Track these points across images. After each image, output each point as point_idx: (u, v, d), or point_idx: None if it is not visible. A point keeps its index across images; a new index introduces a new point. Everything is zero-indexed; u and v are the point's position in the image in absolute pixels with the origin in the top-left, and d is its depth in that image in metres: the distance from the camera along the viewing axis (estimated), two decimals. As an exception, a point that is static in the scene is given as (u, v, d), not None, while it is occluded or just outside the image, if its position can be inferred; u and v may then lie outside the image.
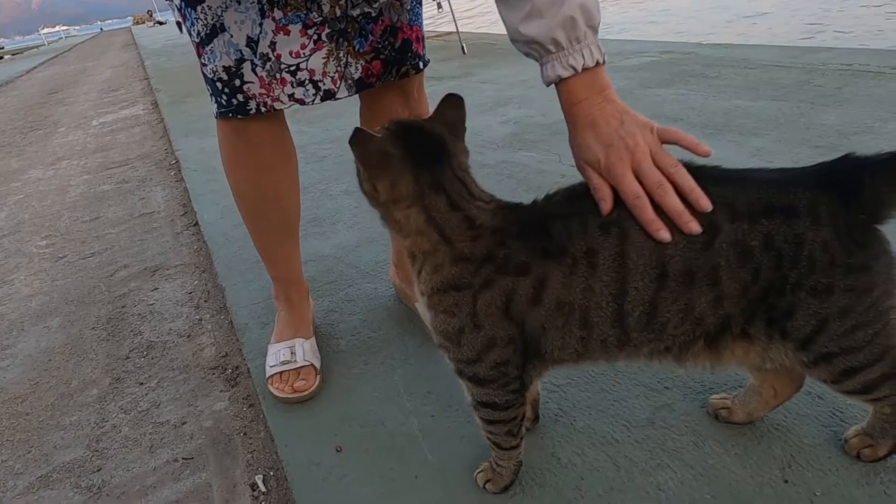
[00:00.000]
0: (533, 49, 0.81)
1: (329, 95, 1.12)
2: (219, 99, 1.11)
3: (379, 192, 0.75)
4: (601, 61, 0.79)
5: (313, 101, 1.10)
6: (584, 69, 0.78)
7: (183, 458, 1.17)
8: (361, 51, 1.10)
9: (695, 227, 0.69)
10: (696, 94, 2.86)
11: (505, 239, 0.74)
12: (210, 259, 1.98)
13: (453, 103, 0.78)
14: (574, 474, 0.92)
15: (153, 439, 1.24)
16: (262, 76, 1.06)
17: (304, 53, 1.06)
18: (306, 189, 2.36)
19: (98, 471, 1.18)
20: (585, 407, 1.04)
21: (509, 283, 0.73)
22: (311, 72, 1.08)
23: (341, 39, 1.08)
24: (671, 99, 2.83)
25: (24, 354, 1.66)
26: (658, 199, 0.71)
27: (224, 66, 1.06)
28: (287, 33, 1.03)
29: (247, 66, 1.05)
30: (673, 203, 0.70)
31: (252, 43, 1.04)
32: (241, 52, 1.04)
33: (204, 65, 1.10)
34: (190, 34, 1.09)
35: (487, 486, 0.90)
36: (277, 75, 1.06)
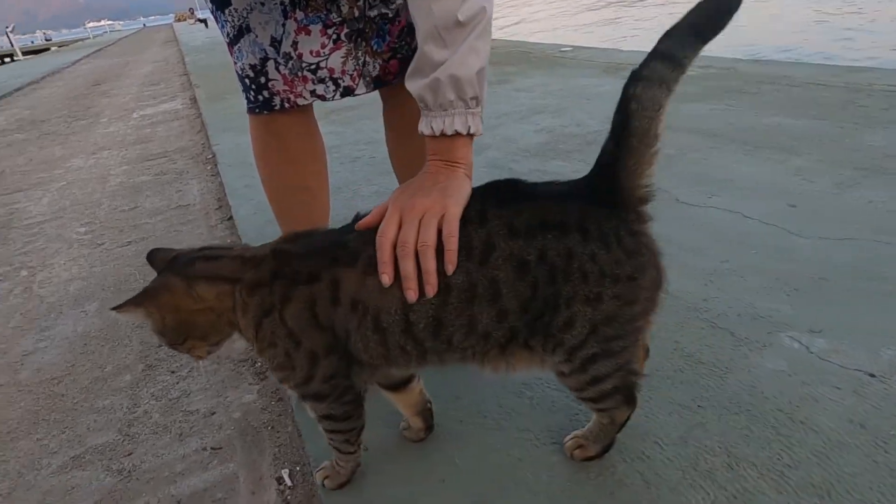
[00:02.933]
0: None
1: (348, 92, 1.16)
2: (248, 95, 1.17)
3: (195, 299, 0.81)
4: (464, 133, 0.84)
5: (333, 97, 1.15)
6: (443, 135, 0.83)
7: (211, 448, 1.19)
8: (379, 50, 1.14)
9: (412, 295, 0.74)
10: (734, 110, 2.81)
11: (288, 258, 0.81)
12: (243, 253, 2.01)
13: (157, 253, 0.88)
14: (604, 489, 0.90)
15: (183, 427, 1.26)
16: (284, 74, 1.11)
17: (323, 52, 1.10)
18: (339, 189, 2.38)
19: (129, 455, 1.21)
20: (616, 421, 1.03)
21: (306, 291, 0.79)
22: (331, 70, 1.12)
23: (359, 39, 1.12)
24: (709, 114, 2.78)
25: (61, 337, 1.71)
26: (398, 256, 0.76)
27: (251, 65, 1.12)
28: (308, 33, 1.08)
29: (271, 65, 1.11)
30: (405, 267, 0.75)
31: (275, 42, 1.09)
32: (266, 52, 1.10)
33: (235, 63, 1.16)
34: (222, 34, 1.14)
35: (326, 482, 0.97)
36: (299, 73, 1.11)
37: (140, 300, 0.80)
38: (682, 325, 1.26)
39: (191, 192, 2.90)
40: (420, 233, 0.76)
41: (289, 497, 1.04)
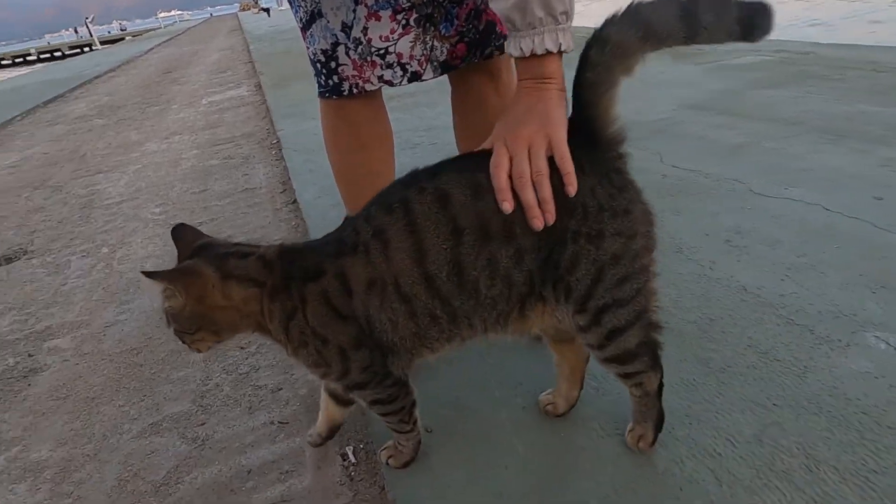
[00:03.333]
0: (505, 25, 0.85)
1: (415, 77, 1.17)
2: (319, 79, 1.20)
3: (209, 294, 0.80)
4: (555, 51, 0.81)
5: (401, 82, 1.17)
6: (533, 55, 0.81)
7: (279, 422, 1.23)
8: (447, 34, 1.15)
9: (538, 223, 0.76)
10: (814, 96, 2.66)
11: (292, 257, 0.83)
12: (307, 236, 2.06)
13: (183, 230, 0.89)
14: (672, 484, 0.88)
15: (252, 401, 1.31)
16: (354, 59, 1.13)
17: (392, 38, 1.12)
18: (399, 174, 2.40)
19: (202, 425, 1.27)
20: (684, 416, 1.00)
21: (316, 287, 0.81)
22: (399, 55, 1.13)
23: (428, 24, 1.12)
24: (786, 101, 2.64)
25: (139, 310, 1.80)
26: (516, 188, 0.77)
27: (322, 49, 1.15)
28: (378, 19, 1.09)
29: (341, 50, 1.13)
30: (527, 197, 0.76)
31: (346, 28, 1.11)
32: (337, 37, 1.12)
33: (307, 47, 1.20)
34: (295, 19, 1.20)
35: (390, 461, 0.99)
36: (368, 58, 1.13)
37: (173, 276, 0.79)
38: (756, 321, 1.21)
39: (257, 175, 2.99)
40: (532, 163, 0.77)
41: (353, 473, 1.07)
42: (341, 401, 1.02)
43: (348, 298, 0.80)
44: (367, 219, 0.82)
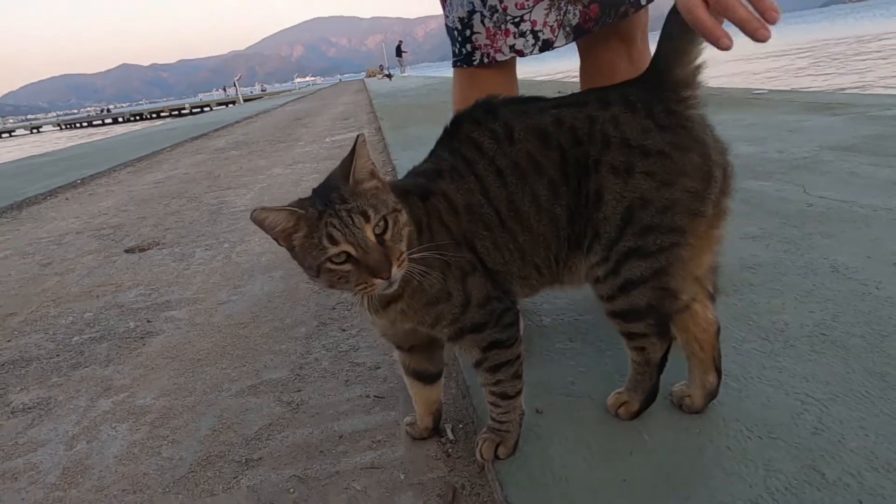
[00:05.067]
0: None
1: (547, 46, 1.14)
2: (454, 48, 1.21)
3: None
4: None
5: (532, 51, 1.14)
6: None
7: (375, 396, 1.17)
8: None
9: (764, 33, 0.66)
10: None
11: (409, 181, 0.86)
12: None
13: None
14: (847, 495, 0.71)
15: (349, 375, 1.27)
16: (488, 27, 1.13)
17: (528, 4, 1.10)
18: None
19: (298, 391, 1.23)
20: (858, 427, 0.82)
21: (430, 204, 0.81)
22: (534, 22, 1.11)
23: None
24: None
25: (250, 294, 1.85)
26: (722, 13, 0.67)
27: (459, 17, 1.15)
28: None
29: (476, 18, 1.13)
30: (739, 14, 0.66)
31: None
32: (473, 4, 1.13)
33: (446, 17, 1.21)
34: None
35: (500, 450, 0.87)
36: (502, 26, 1.12)
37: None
38: (945, 341, 1.00)
39: (370, 195, 3.08)
40: None
41: (450, 450, 0.98)
42: (426, 376, 0.95)
43: (456, 218, 0.80)
44: (442, 157, 0.85)
